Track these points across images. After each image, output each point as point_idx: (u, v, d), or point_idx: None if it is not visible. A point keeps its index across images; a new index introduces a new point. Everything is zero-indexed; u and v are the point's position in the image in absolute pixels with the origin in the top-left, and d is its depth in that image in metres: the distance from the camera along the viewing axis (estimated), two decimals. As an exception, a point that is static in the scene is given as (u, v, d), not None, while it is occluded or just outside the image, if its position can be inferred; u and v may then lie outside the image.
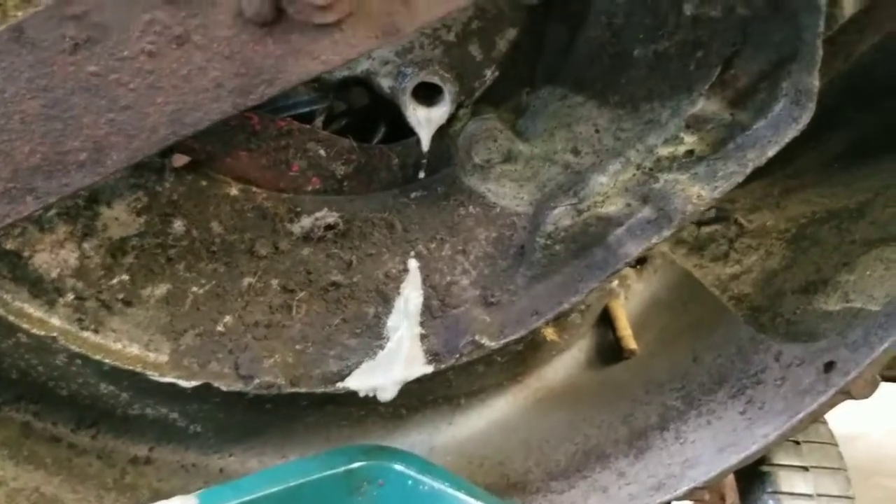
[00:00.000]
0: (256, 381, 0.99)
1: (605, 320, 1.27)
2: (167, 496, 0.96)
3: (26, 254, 0.93)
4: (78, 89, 0.74)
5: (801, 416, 0.99)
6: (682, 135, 0.95)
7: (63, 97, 0.74)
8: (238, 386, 1.00)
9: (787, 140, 0.91)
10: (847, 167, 1.26)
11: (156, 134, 0.77)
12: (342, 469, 1.03)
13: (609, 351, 1.26)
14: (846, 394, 0.99)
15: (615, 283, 1.27)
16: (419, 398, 1.23)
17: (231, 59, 0.74)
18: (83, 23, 0.72)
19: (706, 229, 1.31)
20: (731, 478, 1.21)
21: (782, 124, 0.91)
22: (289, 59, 0.74)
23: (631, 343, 1.22)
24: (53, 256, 0.94)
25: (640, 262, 1.29)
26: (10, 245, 0.92)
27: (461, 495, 1.02)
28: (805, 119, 0.90)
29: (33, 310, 0.94)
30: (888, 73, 1.11)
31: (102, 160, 0.77)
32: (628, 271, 1.29)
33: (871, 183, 1.23)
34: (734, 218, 1.30)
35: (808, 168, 1.28)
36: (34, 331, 0.94)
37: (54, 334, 0.96)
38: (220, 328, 1.01)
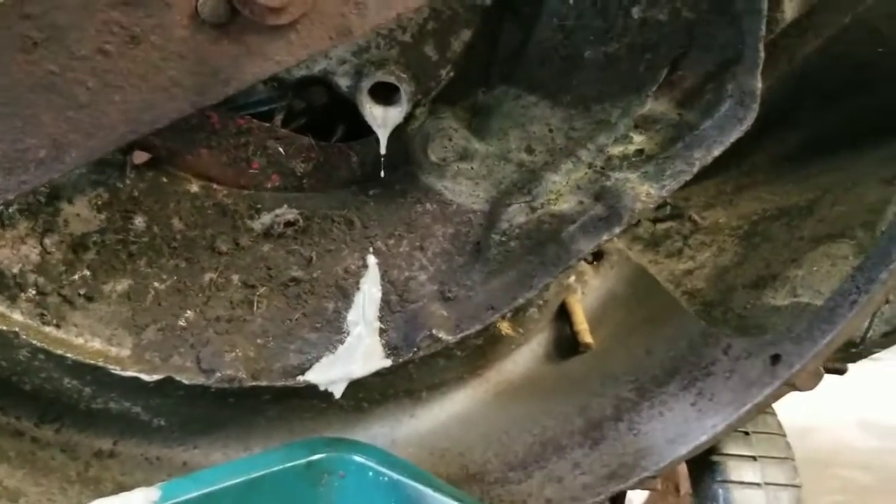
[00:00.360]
0: (218, 374, 1.01)
1: (563, 315, 1.30)
2: (131, 489, 0.97)
3: (-15, 250, 0.94)
4: (36, 87, 0.75)
5: (748, 406, 1.03)
6: (631, 134, 0.98)
7: (21, 95, 0.75)
8: (200, 380, 1.01)
9: (732, 140, 0.94)
10: (798, 166, 1.30)
11: (114, 132, 0.78)
12: (303, 461, 1.05)
13: (566, 345, 1.29)
14: (791, 385, 1.03)
15: (572, 279, 1.30)
16: (381, 392, 1.25)
17: (187, 59, 0.75)
18: (40, 22, 0.72)
19: (661, 226, 1.34)
20: (684, 468, 1.25)
21: (727, 124, 0.94)
22: (244, 59, 0.76)
23: (587, 337, 1.25)
24: (14, 252, 0.95)
25: (597, 258, 1.31)
26: (-30, 242, 0.93)
27: (420, 486, 1.04)
28: (749, 119, 0.93)
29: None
30: (835, 75, 1.14)
31: (61, 157, 0.78)
32: (585, 268, 1.31)
33: (820, 181, 1.27)
34: (689, 215, 1.33)
35: (760, 167, 1.32)
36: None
37: (16, 329, 0.97)
38: (181, 323, 1.02)
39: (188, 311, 1.02)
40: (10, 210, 0.94)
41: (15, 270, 0.95)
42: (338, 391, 1.05)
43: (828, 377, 1.23)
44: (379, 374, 1.10)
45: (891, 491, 2.21)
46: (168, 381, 1.02)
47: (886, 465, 2.34)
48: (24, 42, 0.73)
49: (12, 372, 1.08)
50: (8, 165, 0.77)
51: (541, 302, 1.29)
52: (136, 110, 0.77)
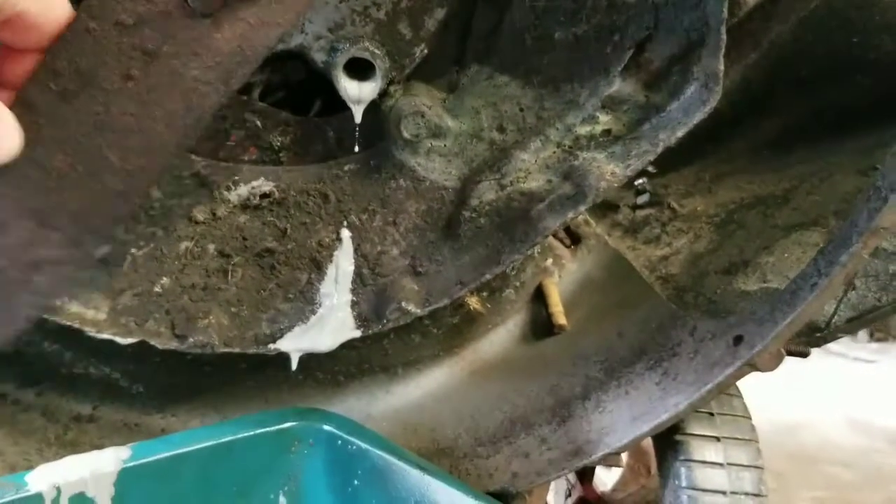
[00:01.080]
0: (190, 339, 1.03)
1: (540, 297, 1.32)
2: (107, 453, 1.00)
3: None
4: (92, 131, 0.80)
5: (709, 386, 1.05)
6: (598, 115, 0.99)
7: (83, 143, 0.80)
8: (173, 344, 1.04)
9: (695, 121, 0.95)
10: (777, 155, 1.31)
11: (170, 144, 0.82)
12: (274, 428, 1.08)
13: (541, 326, 1.31)
14: (752, 366, 1.04)
15: (549, 261, 1.32)
16: (357, 366, 1.27)
17: (201, 56, 0.79)
18: (70, 74, 0.78)
19: (641, 213, 1.36)
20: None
21: (692, 107, 0.96)
22: (249, 34, 0.79)
23: (561, 319, 1.27)
24: (-5, 215, 0.97)
25: (575, 242, 1.33)
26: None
27: (386, 455, 1.07)
28: (712, 102, 0.94)
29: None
30: (809, 64, 1.16)
31: (135, 184, 0.83)
32: (563, 251, 1.33)
33: (798, 170, 1.28)
34: (668, 202, 1.35)
35: (739, 154, 1.33)
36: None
37: (-3, 290, 1.00)
38: (157, 289, 1.05)
39: (164, 278, 1.05)
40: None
41: (-5, 233, 0.97)
42: (293, 365, 1.07)
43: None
44: (354, 348, 1.13)
45: (873, 488, 2.21)
46: (146, 348, 1.05)
47: (870, 462, 2.35)
48: (64, 94, 0.78)
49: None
50: (96, 207, 0.82)
51: (518, 284, 1.31)
52: (179, 118, 0.81)
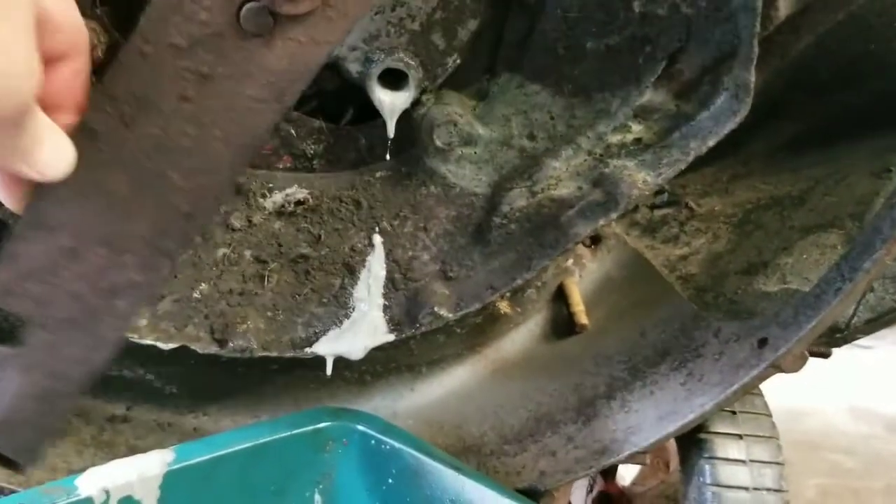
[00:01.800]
0: (230, 344, 1.06)
1: (560, 296, 1.34)
2: (143, 452, 1.03)
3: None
4: (152, 152, 0.81)
5: (735, 387, 1.07)
6: (630, 123, 1.02)
7: (145, 166, 0.81)
8: (213, 349, 1.06)
9: (726, 131, 0.98)
10: (793, 156, 1.34)
11: (230, 163, 0.83)
12: (310, 428, 1.10)
13: (563, 325, 1.34)
14: (777, 367, 1.07)
15: (570, 262, 1.35)
16: (383, 365, 1.30)
17: (255, 76, 0.80)
18: (127, 98, 0.78)
19: (659, 212, 1.38)
20: (673, 444, 1.30)
21: (722, 116, 0.98)
22: (300, 52, 0.80)
23: (583, 318, 1.30)
24: None
25: (595, 242, 1.36)
26: (-6, 213, 0.97)
27: (419, 455, 1.09)
28: (743, 112, 0.97)
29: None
30: (828, 70, 1.18)
31: (201, 203, 0.84)
32: (583, 251, 1.36)
33: (813, 172, 1.31)
34: (685, 202, 1.38)
35: (756, 156, 1.36)
36: None
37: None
38: (196, 295, 1.07)
39: (202, 284, 1.07)
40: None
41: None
42: (328, 366, 1.09)
43: (821, 364, 1.28)
44: (381, 349, 1.15)
45: (874, 475, 2.27)
46: (181, 350, 1.07)
47: (872, 449, 2.40)
48: (124, 119, 0.79)
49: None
50: (165, 229, 0.84)
51: (539, 283, 1.34)
52: (237, 137, 0.82)
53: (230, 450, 1.04)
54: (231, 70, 0.80)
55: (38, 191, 0.83)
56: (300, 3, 0.77)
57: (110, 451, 1.18)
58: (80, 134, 0.81)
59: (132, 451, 1.17)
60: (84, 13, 0.95)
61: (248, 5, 0.77)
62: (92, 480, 0.95)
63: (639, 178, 1.00)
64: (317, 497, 1.13)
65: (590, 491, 1.49)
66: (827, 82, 1.21)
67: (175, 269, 0.91)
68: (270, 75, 0.81)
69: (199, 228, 0.87)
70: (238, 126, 0.82)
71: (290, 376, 1.25)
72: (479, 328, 1.32)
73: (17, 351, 0.93)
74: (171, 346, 1.04)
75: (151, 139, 0.81)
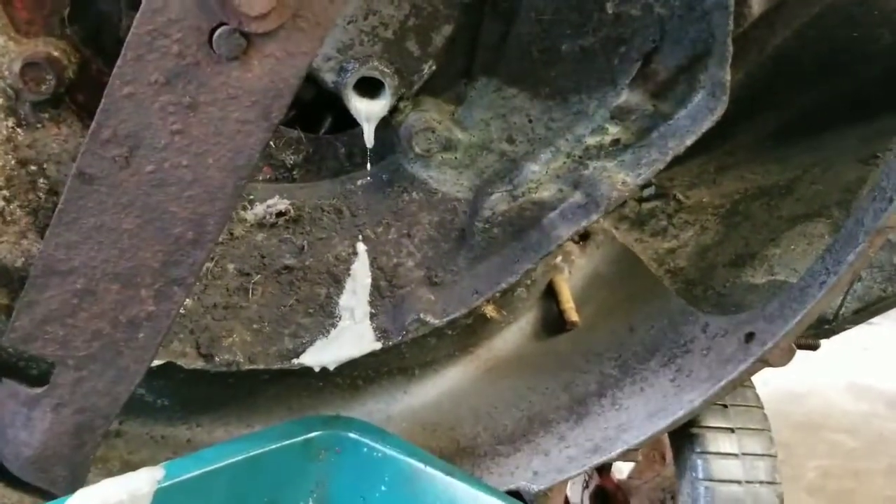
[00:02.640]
0: (217, 359, 1.06)
1: (550, 294, 1.34)
2: (137, 467, 1.03)
3: (-9, 245, 0.98)
4: (150, 190, 0.84)
5: (723, 382, 1.08)
6: (607, 125, 1.01)
7: (145, 202, 0.84)
8: (199, 364, 1.06)
9: (704, 129, 0.98)
10: (779, 146, 1.33)
11: (227, 188, 0.86)
12: (301, 438, 1.10)
13: (553, 323, 1.34)
14: (764, 362, 1.07)
15: (559, 258, 1.34)
16: (375, 370, 1.30)
17: (238, 98, 0.81)
18: (118, 140, 0.82)
19: (647, 206, 1.38)
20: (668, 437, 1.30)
21: (700, 115, 0.98)
22: (278, 67, 0.81)
23: (573, 315, 1.30)
24: (17, 247, 0.99)
25: (583, 238, 1.36)
26: (-26, 237, 0.98)
27: (412, 461, 1.10)
28: (720, 110, 0.96)
29: (1, 298, 1.00)
30: (811, 60, 1.17)
31: (205, 229, 0.88)
32: (572, 247, 1.35)
33: (799, 160, 1.30)
34: (673, 195, 1.37)
35: (742, 146, 1.35)
36: (3, 317, 0.99)
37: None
38: (181, 311, 1.07)
39: (187, 300, 1.07)
40: (11, 206, 0.98)
41: (18, 264, 0.99)
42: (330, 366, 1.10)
43: (821, 343, 1.28)
44: (372, 354, 1.16)
45: (874, 454, 2.27)
46: (170, 365, 1.08)
47: (873, 428, 2.40)
48: (118, 162, 0.82)
49: (19, 357, 1.13)
50: (173, 259, 0.88)
51: (528, 282, 1.34)
52: (230, 161, 0.84)
53: (221, 464, 1.04)
54: (213, 96, 0.80)
55: (46, 239, 0.85)
56: (268, 19, 0.77)
57: (104, 467, 1.18)
58: (78, 179, 0.82)
59: (126, 465, 1.18)
60: (53, 33, 0.96)
61: (218, 30, 0.77)
62: (83, 501, 0.95)
63: (618, 180, 1.00)
64: (311, 505, 1.13)
65: (586, 486, 1.49)
66: (811, 72, 1.20)
67: (188, 295, 0.92)
68: (253, 95, 0.81)
69: (207, 254, 0.88)
70: (230, 150, 0.82)
71: (281, 385, 1.26)
72: (471, 329, 1.32)
73: (46, 391, 0.96)
74: (157, 363, 1.04)
75: (148, 176, 0.82)
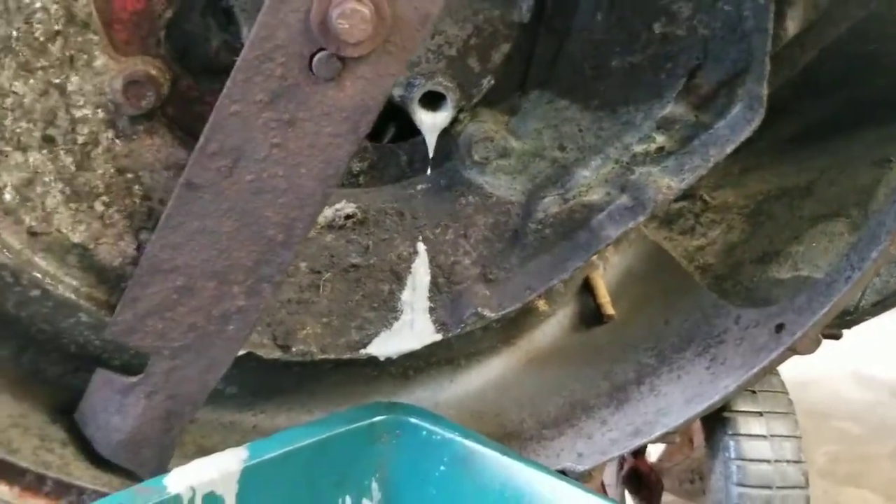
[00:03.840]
0: (293, 349, 1.15)
1: (587, 289, 1.43)
2: (210, 451, 1.11)
3: (91, 246, 1.07)
4: (249, 197, 0.94)
5: (755, 370, 1.17)
6: (653, 134, 1.11)
7: (244, 208, 0.94)
8: (276, 354, 1.16)
9: (742, 139, 1.07)
10: (798, 149, 1.42)
11: (316, 195, 0.96)
12: (365, 423, 1.19)
13: (590, 316, 1.43)
14: (793, 350, 1.16)
15: (595, 256, 1.43)
16: (424, 360, 1.39)
17: (331, 115, 0.91)
18: (223, 153, 0.91)
19: (675, 205, 1.46)
20: (697, 422, 1.39)
21: (738, 125, 1.07)
22: (368, 87, 0.90)
23: (609, 309, 1.39)
24: (114, 248, 1.08)
25: (617, 237, 1.44)
26: (77, 238, 1.06)
27: (468, 442, 1.19)
28: (757, 121, 1.06)
29: (99, 294, 1.09)
30: (829, 73, 1.27)
31: (294, 232, 0.98)
32: (606, 246, 1.44)
33: (818, 163, 1.39)
34: (700, 195, 1.46)
35: (764, 149, 1.43)
36: (103, 312, 1.08)
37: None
38: (258, 306, 1.16)
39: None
40: (109, 211, 1.07)
41: (115, 264, 1.08)
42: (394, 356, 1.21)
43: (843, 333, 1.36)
44: (425, 346, 1.25)
45: (880, 439, 2.38)
46: (244, 356, 1.16)
47: (877, 415, 2.51)
48: (222, 172, 0.92)
49: (103, 350, 1.22)
50: (265, 259, 0.98)
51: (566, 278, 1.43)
52: (321, 171, 0.94)
53: (297, 445, 1.13)
54: (310, 114, 0.89)
55: (152, 241, 0.95)
56: (364, 44, 0.87)
57: (180, 451, 1.26)
58: (185, 188, 0.91)
59: (200, 449, 1.27)
60: (149, 52, 1.05)
61: (318, 55, 0.86)
62: (179, 479, 1.04)
63: (663, 184, 1.09)
64: (374, 486, 1.22)
65: (620, 468, 1.58)
66: (828, 83, 1.30)
67: (275, 292, 1.01)
68: (345, 112, 0.90)
69: (293, 253, 0.97)
70: (322, 161, 0.92)
71: (339, 374, 1.34)
72: (513, 322, 1.41)
73: (140, 379, 1.06)
74: (238, 353, 1.13)
75: (248, 184, 0.92)
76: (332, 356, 1.17)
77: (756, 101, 1.04)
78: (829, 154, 1.39)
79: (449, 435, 1.19)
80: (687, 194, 1.48)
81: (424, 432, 1.20)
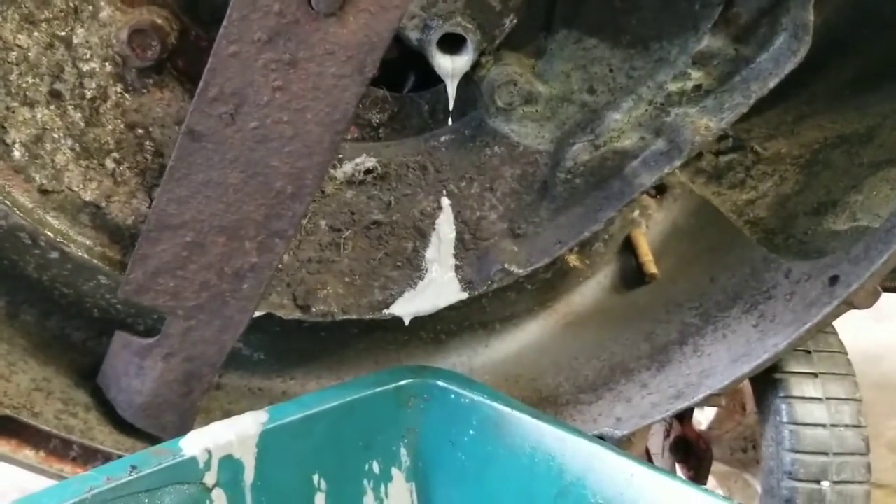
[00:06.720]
0: (313, 310, 1.12)
1: (628, 248, 1.36)
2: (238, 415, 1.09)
3: (103, 204, 1.05)
4: (254, 145, 0.90)
5: (807, 326, 1.08)
6: (689, 71, 1.03)
7: (249, 157, 0.90)
8: (297, 315, 1.12)
9: (786, 72, 0.98)
10: (857, 94, 1.32)
11: (324, 142, 0.91)
12: (392, 386, 1.15)
13: (632, 276, 1.36)
14: (849, 304, 1.07)
15: (636, 213, 1.36)
16: (457, 324, 1.34)
17: (335, 53, 0.86)
18: (224, 98, 0.87)
19: (724, 158, 1.38)
20: (749, 387, 1.31)
21: (782, 57, 0.98)
22: (372, 22, 0.85)
23: (652, 268, 1.31)
24: (127, 206, 1.06)
25: (660, 191, 1.37)
26: (88, 196, 1.04)
27: (498, 405, 1.13)
28: (803, 52, 0.97)
29: (113, 254, 1.06)
30: (891, 6, 1.16)
31: (304, 183, 0.93)
32: (649, 201, 1.37)
33: (880, 108, 1.29)
34: (751, 146, 1.37)
35: (820, 95, 1.34)
36: (118, 272, 1.06)
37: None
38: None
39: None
40: (121, 168, 1.05)
41: (129, 222, 1.06)
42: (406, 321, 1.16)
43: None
44: (454, 308, 1.20)
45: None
46: (266, 318, 1.13)
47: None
48: (224, 119, 0.88)
49: (126, 314, 1.21)
50: (275, 212, 0.94)
51: (606, 236, 1.36)
52: (327, 115, 0.89)
53: (320, 408, 1.09)
54: (312, 52, 0.84)
55: (158, 195, 0.91)
56: None
57: (207, 417, 1.24)
58: (187, 137, 0.88)
59: (227, 414, 1.23)
60: (156, 2, 1.01)
61: (317, -13, 0.81)
62: (195, 442, 1.01)
63: (701, 125, 1.01)
64: (402, 450, 1.18)
65: (667, 436, 1.51)
66: (890, 15, 1.19)
67: (288, 247, 0.97)
68: (349, 50, 0.85)
69: (306, 206, 0.93)
70: (327, 105, 0.87)
71: (369, 338, 1.31)
72: (550, 284, 1.35)
73: (157, 341, 1.03)
74: (257, 314, 1.10)
75: (252, 132, 0.88)
76: (355, 317, 1.13)
77: (801, 29, 0.95)
78: (893, 98, 1.28)
79: (478, 398, 1.14)
80: (737, 146, 1.40)
81: (453, 395, 1.16)
